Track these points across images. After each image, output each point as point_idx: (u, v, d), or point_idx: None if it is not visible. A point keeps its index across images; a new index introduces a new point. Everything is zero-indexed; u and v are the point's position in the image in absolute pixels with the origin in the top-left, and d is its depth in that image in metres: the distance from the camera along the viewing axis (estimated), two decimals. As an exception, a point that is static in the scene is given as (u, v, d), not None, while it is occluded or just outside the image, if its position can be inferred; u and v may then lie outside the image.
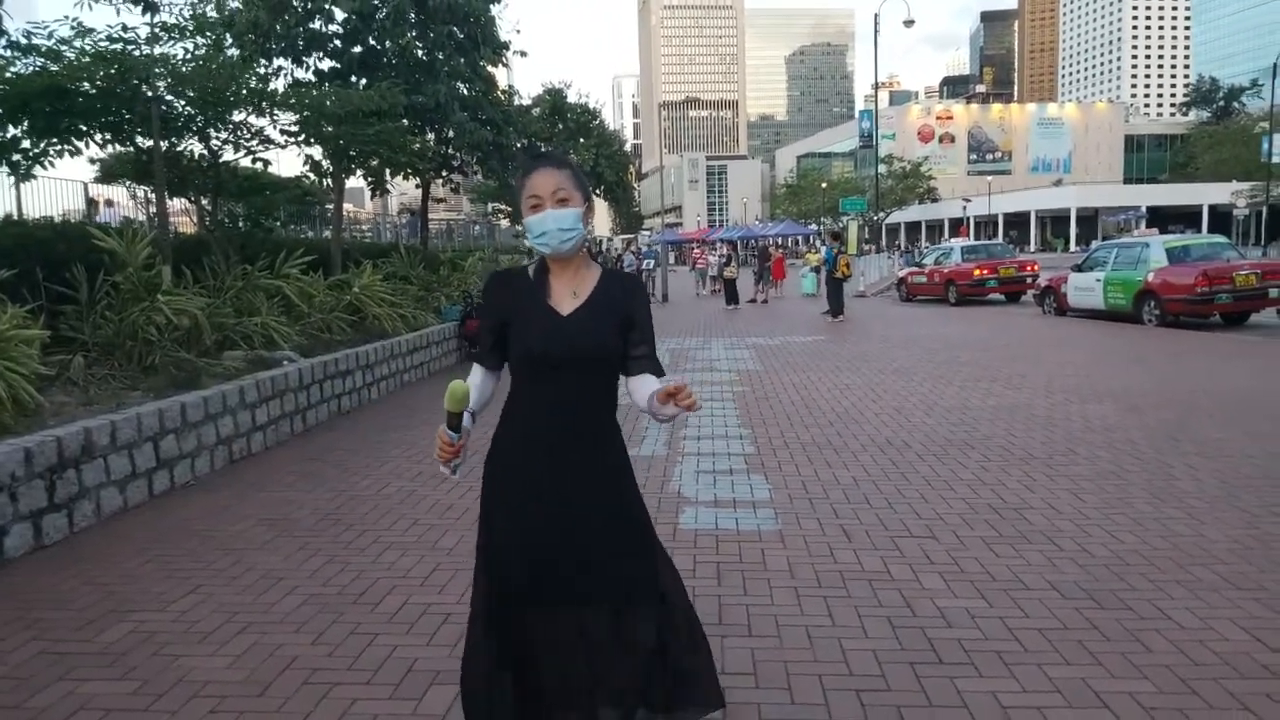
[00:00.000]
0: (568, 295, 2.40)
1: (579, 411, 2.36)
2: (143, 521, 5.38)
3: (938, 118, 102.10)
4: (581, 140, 30.61)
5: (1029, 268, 23.23)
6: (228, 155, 11.38)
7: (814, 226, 75.77)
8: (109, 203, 12.91)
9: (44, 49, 8.57)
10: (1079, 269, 18.01)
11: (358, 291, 11.40)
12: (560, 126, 29.22)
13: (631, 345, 2.42)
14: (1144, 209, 71.30)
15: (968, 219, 76.37)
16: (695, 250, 35.68)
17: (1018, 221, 79.38)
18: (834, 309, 18.98)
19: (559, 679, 2.34)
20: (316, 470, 6.62)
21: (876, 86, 39.68)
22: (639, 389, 2.40)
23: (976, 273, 22.62)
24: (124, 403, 6.26)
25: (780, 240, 69.25)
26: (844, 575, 4.27)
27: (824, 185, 77.30)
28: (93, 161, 12.87)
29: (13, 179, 9.18)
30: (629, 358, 2.42)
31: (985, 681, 3.21)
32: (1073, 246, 69.54)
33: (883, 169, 63.63)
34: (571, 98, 30.26)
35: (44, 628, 3.76)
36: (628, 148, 57.27)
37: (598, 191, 35.53)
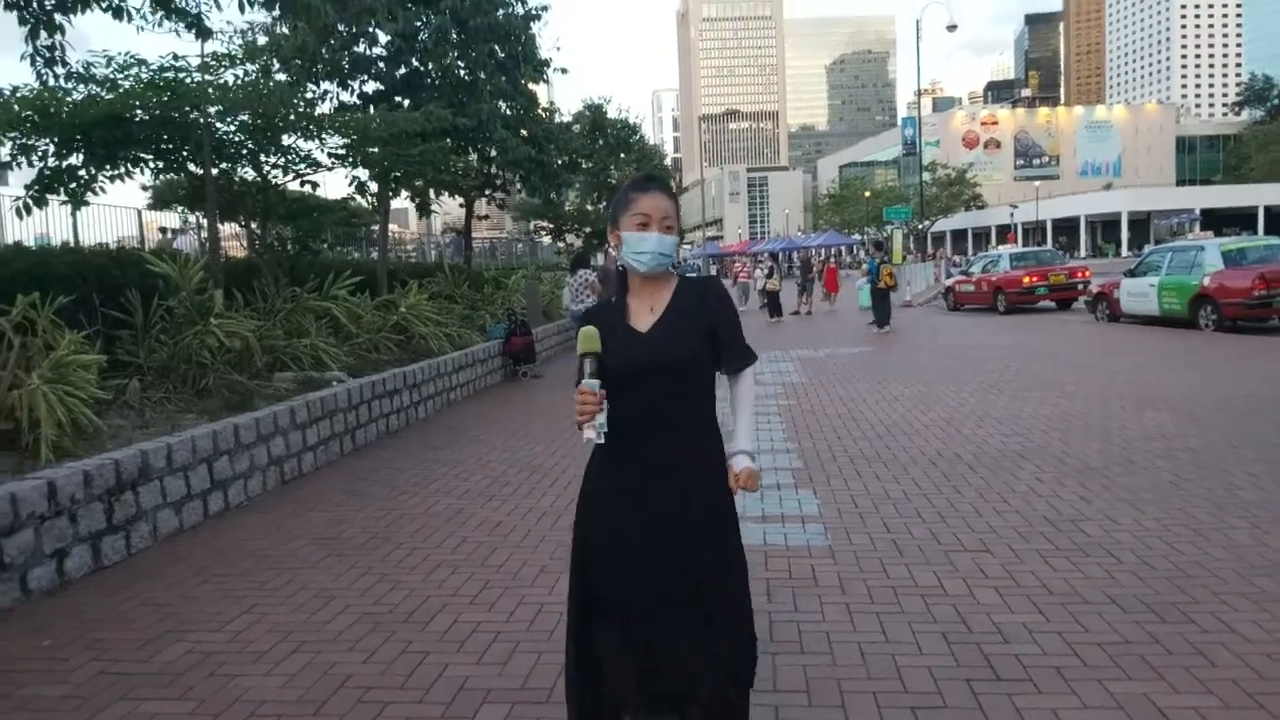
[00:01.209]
0: (645, 311, 2.51)
1: (671, 423, 2.44)
2: (198, 542, 5.47)
3: (982, 123, 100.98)
4: (622, 155, 30.70)
5: (1080, 274, 22.79)
6: (276, 179, 11.61)
7: (857, 237, 75.27)
8: (182, 231, 13.27)
9: (101, 78, 8.81)
10: (1132, 274, 17.65)
11: (404, 311, 11.55)
12: (601, 142, 29.33)
13: (721, 347, 2.52)
14: (1197, 211, 69.73)
15: (1015, 225, 75.25)
16: (737, 264, 34.77)
17: (1067, 227, 78.04)
18: (879, 320, 18.80)
19: (634, 685, 2.43)
20: (366, 489, 6.69)
21: (919, 93, 39.38)
22: (735, 387, 2.58)
23: (1026, 280, 22.25)
24: (179, 425, 6.39)
25: (824, 251, 68.88)
26: (897, 590, 4.20)
27: (867, 194, 76.73)
28: (145, 189, 13.23)
29: (69, 206, 9.45)
30: (720, 358, 2.53)
31: (1045, 698, 3.13)
32: (1124, 251, 68.16)
33: (927, 176, 63.04)
34: (611, 113, 30.38)
35: (103, 648, 3.84)
36: (668, 162, 57.38)
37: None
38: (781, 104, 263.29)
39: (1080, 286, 21.99)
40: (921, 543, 4.88)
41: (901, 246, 32.69)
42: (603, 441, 2.34)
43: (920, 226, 56.81)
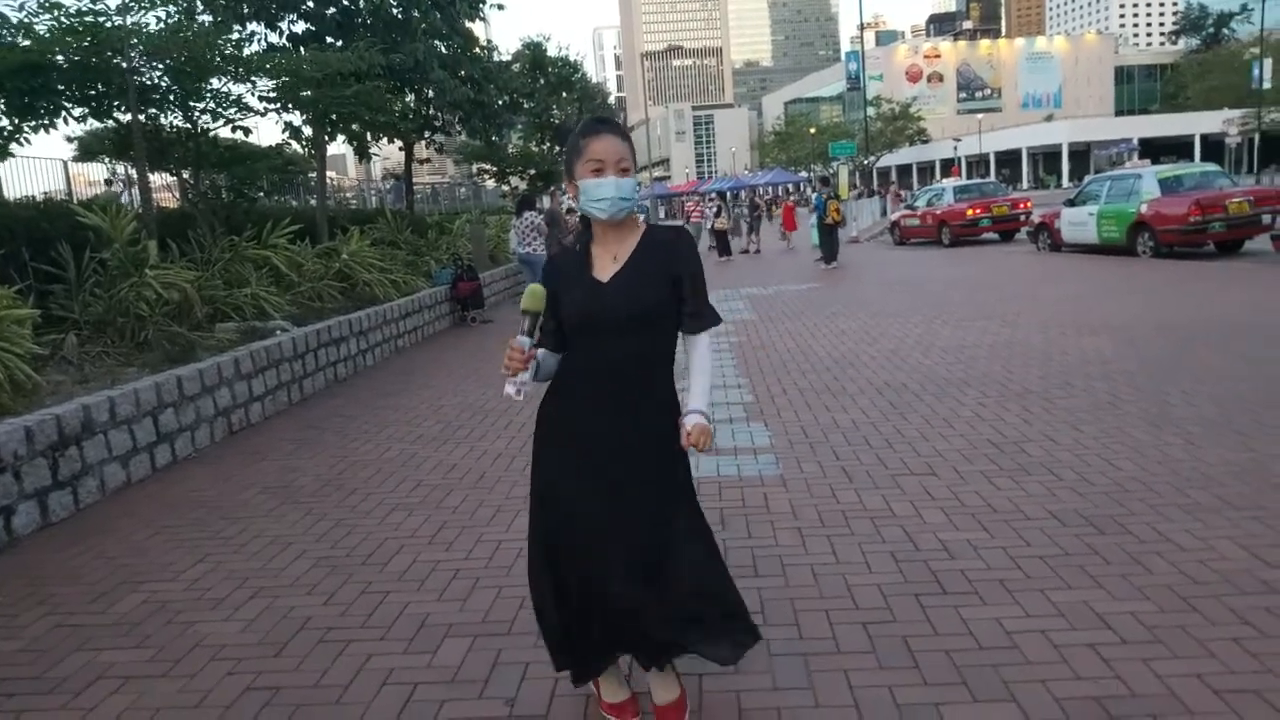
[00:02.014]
0: (608, 260, 2.44)
1: (629, 374, 2.41)
2: (147, 495, 5.40)
3: (925, 56, 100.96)
4: (564, 95, 30.15)
5: (1022, 205, 23.08)
6: (207, 125, 11.24)
7: (804, 174, 75.30)
8: (129, 182, 12.81)
9: (15, 22, 8.41)
10: (1072, 204, 17.94)
11: (346, 258, 11.34)
12: (542, 81, 28.72)
13: (683, 303, 2.45)
14: (1136, 141, 70.77)
15: (959, 159, 75.79)
16: (689, 204, 34.19)
17: (1010, 160, 78.84)
18: (827, 255, 18.92)
19: (605, 620, 2.46)
20: (316, 438, 6.63)
21: (862, 27, 39.22)
22: (692, 350, 2.51)
23: (970, 213, 22.50)
24: (120, 379, 6.25)
25: (771, 189, 68.86)
26: (846, 515, 4.30)
27: (813, 131, 76.63)
28: (70, 139, 12.73)
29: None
30: (681, 315, 2.46)
31: (989, 609, 3.25)
32: (1065, 182, 69.15)
33: (871, 111, 63.04)
34: (551, 51, 29.74)
35: (57, 602, 3.79)
36: (611, 101, 56.56)
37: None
38: (725, 39, 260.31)
39: (1023, 218, 22.30)
40: (869, 468, 4.99)
41: (847, 182, 32.76)
42: (521, 399, 2.31)
43: (865, 162, 56.94)
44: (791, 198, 29.42)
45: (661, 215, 66.94)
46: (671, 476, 2.49)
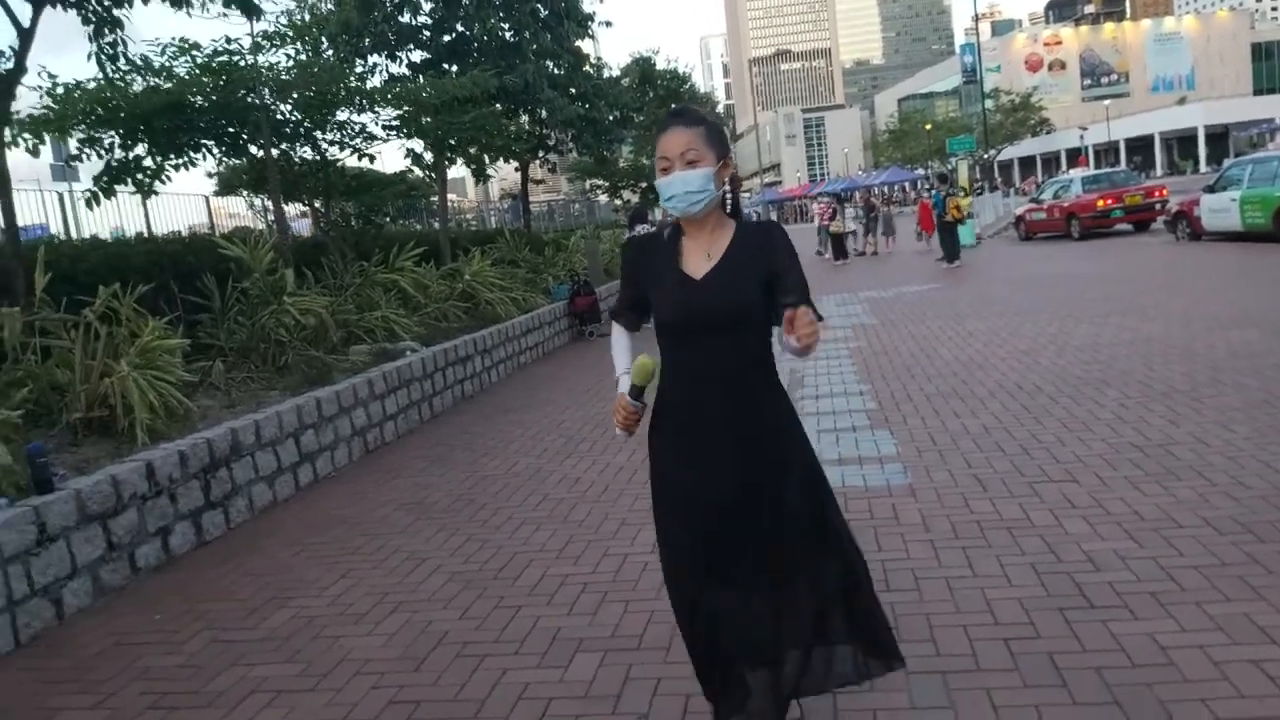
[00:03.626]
0: (702, 257, 2.32)
1: (729, 376, 2.28)
2: (291, 513, 5.67)
3: (1045, 44, 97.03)
4: (673, 106, 30.34)
5: (1157, 193, 21.92)
6: (334, 156, 11.77)
7: (921, 171, 73.42)
8: (265, 213, 13.57)
9: (158, 66, 9.00)
10: (1211, 190, 16.91)
11: (469, 279, 11.67)
12: (651, 95, 28.97)
13: (782, 293, 2.25)
14: (1278, 121, 66.31)
15: (1085, 148, 72.57)
16: (819, 204, 32.03)
17: (1141, 146, 74.93)
18: (948, 255, 18.40)
19: (740, 638, 2.34)
20: (446, 454, 6.83)
21: (976, 18, 38.07)
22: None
23: (1100, 204, 21.48)
24: (263, 402, 6.59)
25: (882, 189, 67.41)
26: (981, 525, 4.16)
27: (928, 127, 74.67)
28: (210, 175, 13.56)
29: (139, 196, 9.72)
30: (778, 307, 2.23)
31: (1141, 624, 3.08)
32: (1203, 167, 65.30)
33: (990, 104, 61.04)
34: (660, 64, 29.97)
35: (212, 618, 4.02)
36: (719, 109, 56.51)
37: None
38: (833, 40, 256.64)
39: (1158, 206, 21.17)
40: (1004, 476, 4.81)
41: (967, 177, 31.74)
42: (630, 436, 2.39)
43: (986, 156, 55.13)
44: (926, 195, 27.29)
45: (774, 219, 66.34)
46: (799, 470, 2.34)
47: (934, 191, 21.45)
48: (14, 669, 3.69)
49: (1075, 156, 70.63)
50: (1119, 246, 18.53)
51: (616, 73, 26.59)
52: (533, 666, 3.26)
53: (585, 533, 4.65)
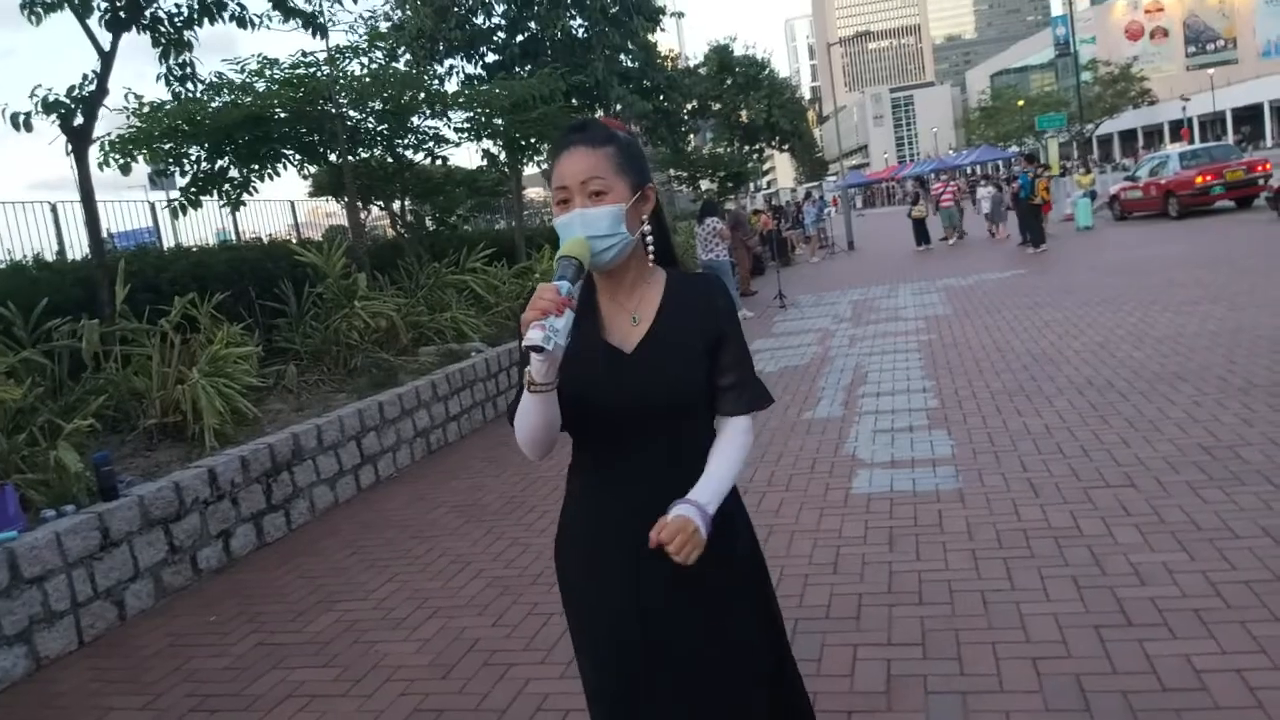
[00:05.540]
0: (626, 322, 1.73)
1: (665, 485, 1.67)
2: (350, 515, 5.85)
3: (1146, 11, 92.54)
4: (752, 93, 30.07)
5: (1260, 168, 20.74)
6: (410, 159, 12.05)
7: (1014, 149, 71.09)
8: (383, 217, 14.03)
9: (238, 84, 9.36)
10: (1322, 162, 15.96)
11: (539, 277, 11.79)
12: (729, 82, 28.82)
13: (719, 373, 1.74)
14: (1407, 82, 61.94)
15: (1189, 120, 69.08)
16: (937, 185, 28.48)
17: (1250, 116, 70.80)
18: (1034, 239, 17.79)
19: None
20: (505, 455, 6.94)
21: (1069, -11, 36.57)
22: (725, 431, 1.77)
23: (1199, 180, 20.41)
24: (331, 405, 6.81)
25: (973, 169, 65.49)
26: (1028, 534, 4.04)
27: (1020, 103, 72.15)
28: (305, 177, 14.04)
29: (226, 208, 10.15)
30: (716, 388, 1.74)
31: (1178, 644, 2.95)
32: (1320, 136, 61.55)
33: (1087, 76, 58.65)
34: (738, 50, 29.76)
35: (262, 621, 4.19)
36: (804, 92, 55.70)
37: (774, 143, 34.65)
38: (923, 15, 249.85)
39: (1261, 182, 20.04)
40: (1060, 481, 4.65)
41: (1058, 155, 30.53)
42: (550, 348, 1.48)
43: (1084, 131, 53.03)
44: (1045, 174, 24.15)
45: (858, 205, 65.23)
46: (755, 617, 1.81)
47: (1021, 173, 20.70)
48: (76, 668, 3.93)
49: (1179, 128, 67.36)
50: (1218, 225, 17.62)
51: (697, 60, 26.51)
52: (555, 677, 3.30)
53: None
